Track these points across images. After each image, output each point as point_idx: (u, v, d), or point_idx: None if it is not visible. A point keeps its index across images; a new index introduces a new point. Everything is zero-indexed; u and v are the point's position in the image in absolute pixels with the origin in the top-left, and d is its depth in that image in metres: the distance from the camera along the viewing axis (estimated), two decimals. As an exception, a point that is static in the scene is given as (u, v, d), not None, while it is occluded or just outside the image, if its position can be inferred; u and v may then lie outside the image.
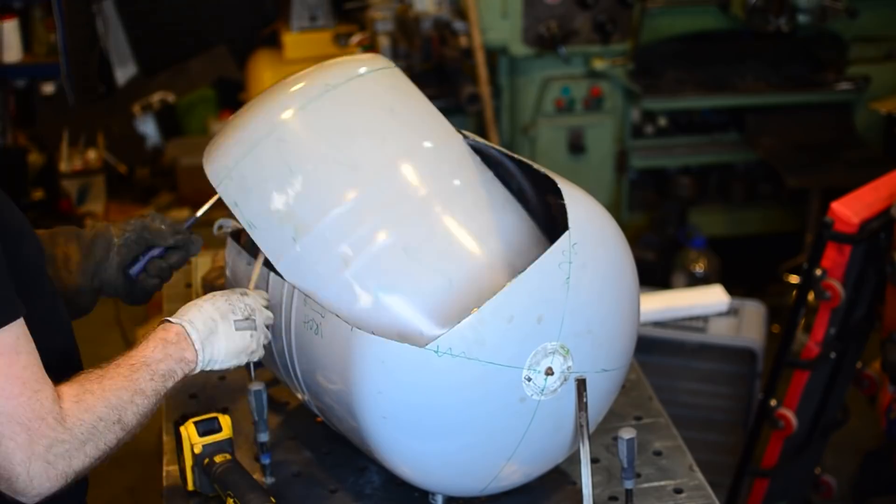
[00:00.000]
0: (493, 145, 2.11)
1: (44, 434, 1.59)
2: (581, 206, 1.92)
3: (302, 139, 1.98)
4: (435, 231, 1.94)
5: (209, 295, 1.89)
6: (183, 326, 1.82)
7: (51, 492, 1.62)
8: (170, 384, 1.78)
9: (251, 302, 1.91)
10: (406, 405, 1.82)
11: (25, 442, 1.57)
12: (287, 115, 1.98)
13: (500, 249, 1.96)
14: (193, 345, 1.81)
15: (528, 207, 2.21)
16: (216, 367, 1.87)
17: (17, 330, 1.60)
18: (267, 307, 1.95)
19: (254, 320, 1.89)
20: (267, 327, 1.95)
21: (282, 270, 1.93)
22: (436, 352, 1.78)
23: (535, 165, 2.02)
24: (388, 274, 1.89)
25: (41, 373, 1.62)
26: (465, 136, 2.04)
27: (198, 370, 1.84)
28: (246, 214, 1.95)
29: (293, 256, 1.92)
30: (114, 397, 1.68)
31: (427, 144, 2.02)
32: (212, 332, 1.84)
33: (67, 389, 1.65)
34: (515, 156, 2.10)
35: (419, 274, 1.89)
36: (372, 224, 1.91)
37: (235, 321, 1.87)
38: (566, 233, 1.86)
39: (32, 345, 1.63)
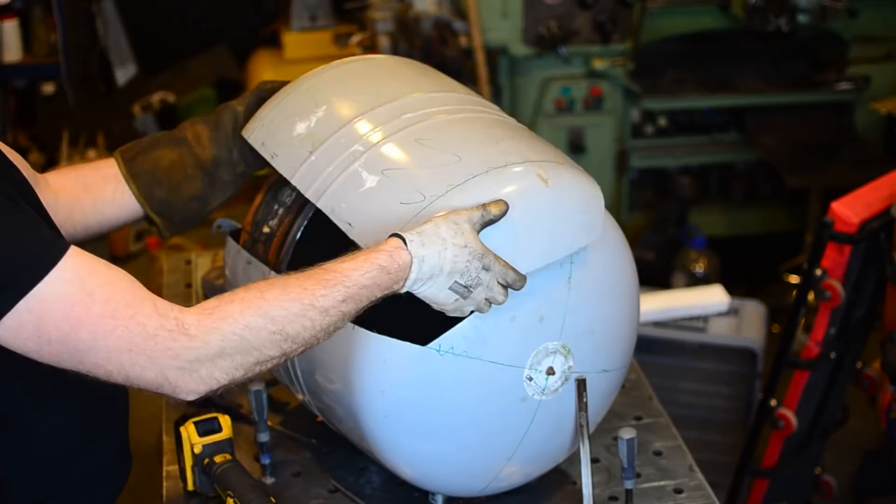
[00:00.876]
0: None
1: (161, 348, 1.53)
2: (582, 206, 1.92)
3: (330, 82, 2.02)
4: (450, 129, 1.89)
5: (461, 234, 1.68)
6: (413, 261, 1.65)
7: (211, 390, 1.59)
8: (362, 308, 1.66)
9: (486, 278, 1.71)
10: (407, 404, 1.82)
11: (146, 362, 1.53)
12: (317, 72, 2.04)
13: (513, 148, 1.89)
14: (407, 280, 1.67)
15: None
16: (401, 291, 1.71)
17: (75, 263, 1.53)
18: (507, 287, 1.75)
19: (471, 291, 1.71)
20: (483, 307, 1.75)
21: (296, 182, 1.89)
22: (437, 350, 1.78)
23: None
24: (396, 156, 1.83)
25: (129, 295, 1.54)
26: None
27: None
28: (270, 148, 1.95)
29: (307, 166, 1.89)
30: (275, 309, 1.58)
31: (455, 94, 2.03)
32: (431, 277, 1.68)
33: (210, 302, 1.59)
34: None
35: (428, 155, 1.82)
36: (388, 126, 1.87)
37: (455, 281, 1.69)
38: (568, 232, 1.86)
39: (105, 271, 1.55)
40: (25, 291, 1.49)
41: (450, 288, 1.70)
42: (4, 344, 1.53)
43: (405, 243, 1.66)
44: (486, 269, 1.71)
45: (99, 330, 1.52)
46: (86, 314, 1.52)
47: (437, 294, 1.71)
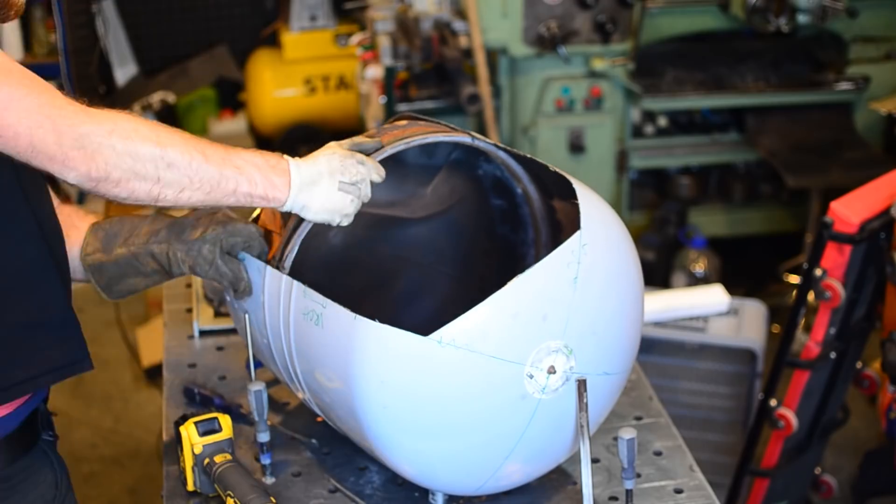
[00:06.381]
0: (501, 146, 2.11)
1: (64, 116, 1.65)
2: (593, 208, 1.92)
3: None
4: None
5: (330, 148, 1.89)
6: (288, 163, 1.82)
7: (90, 177, 1.68)
8: (244, 187, 1.79)
9: (363, 170, 1.88)
10: (406, 396, 1.82)
11: (50, 127, 1.64)
12: None
13: None
14: (290, 183, 1.81)
15: (533, 211, 2.21)
16: (308, 217, 1.86)
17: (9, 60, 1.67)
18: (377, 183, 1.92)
19: (359, 187, 1.87)
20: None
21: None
22: (439, 342, 1.78)
23: (551, 166, 2.02)
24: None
25: (49, 85, 1.66)
26: (472, 138, 2.04)
27: (285, 208, 1.84)
28: None
29: None
30: (164, 130, 1.72)
31: None
32: (313, 182, 1.83)
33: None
34: (527, 155, 2.10)
35: None
36: None
37: (340, 181, 1.85)
38: (577, 232, 1.86)
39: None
40: None
41: (339, 190, 1.84)
42: None
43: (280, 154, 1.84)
44: (361, 163, 1.87)
45: (16, 92, 1.64)
46: (7, 76, 1.65)
47: (331, 199, 1.84)
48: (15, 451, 1.88)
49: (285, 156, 1.85)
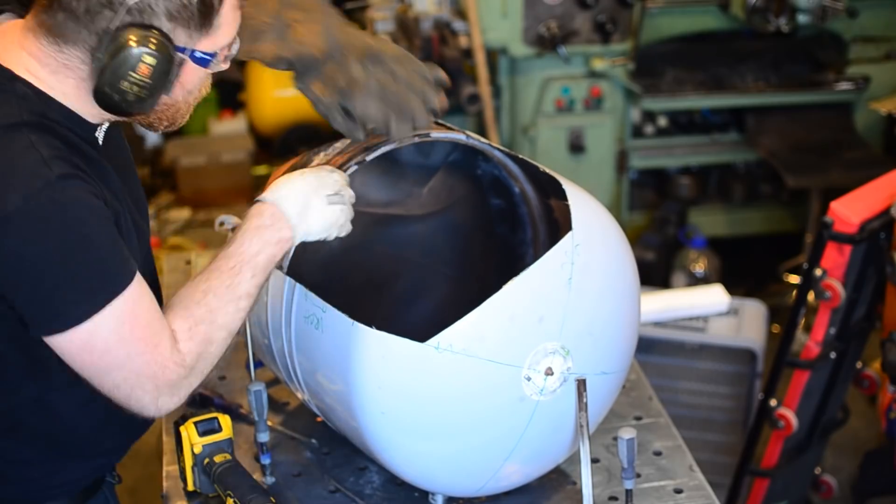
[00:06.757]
0: (497, 146, 2.11)
1: (167, 379, 1.67)
2: (585, 208, 1.92)
3: None
4: None
5: (297, 172, 1.87)
6: (277, 205, 1.80)
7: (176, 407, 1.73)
8: (271, 268, 1.80)
9: (339, 178, 1.88)
10: (405, 400, 1.82)
11: (153, 389, 1.67)
12: None
13: None
14: (289, 221, 1.80)
15: (531, 210, 2.21)
16: (310, 239, 1.85)
17: (135, 290, 1.65)
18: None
19: (343, 195, 1.87)
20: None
21: None
22: (436, 348, 1.78)
23: (541, 167, 2.02)
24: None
25: (159, 323, 1.67)
26: (468, 137, 2.04)
27: (296, 243, 1.83)
28: None
29: None
30: (222, 317, 1.72)
31: None
32: (306, 206, 1.82)
33: (180, 325, 1.70)
34: (519, 156, 2.10)
35: None
36: None
37: (327, 195, 1.85)
38: (569, 233, 1.86)
39: (149, 296, 1.69)
40: (111, 299, 1.63)
41: (329, 204, 1.84)
42: (57, 344, 1.64)
43: (259, 202, 1.82)
44: (332, 172, 1.87)
45: (133, 350, 1.65)
46: (130, 334, 1.64)
47: (328, 217, 1.83)
48: (79, 500, 1.94)
49: (267, 199, 1.81)
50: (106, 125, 1.78)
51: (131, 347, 1.64)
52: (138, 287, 1.66)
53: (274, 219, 1.78)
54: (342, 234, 1.89)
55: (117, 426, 1.86)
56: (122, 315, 1.63)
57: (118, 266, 1.64)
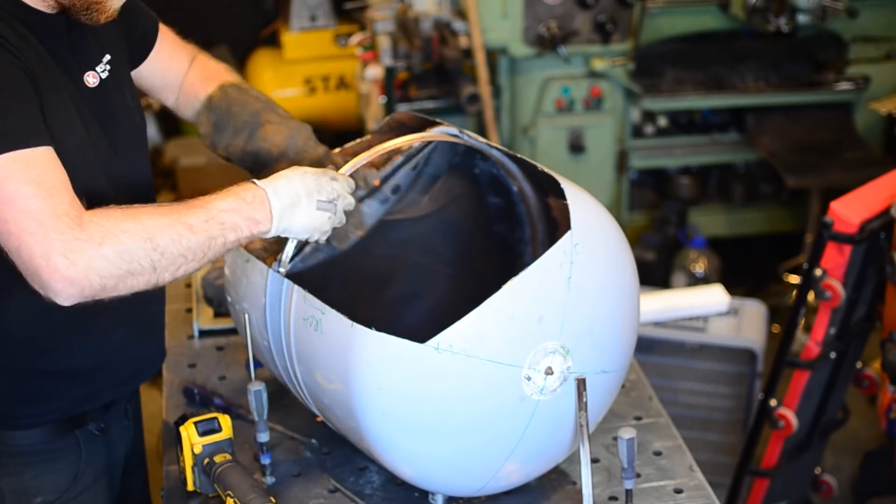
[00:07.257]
0: (495, 145, 2.11)
1: (58, 229, 1.64)
2: (583, 207, 1.92)
3: None
4: None
5: (301, 169, 1.90)
6: (266, 192, 1.83)
7: (83, 295, 1.68)
8: (231, 236, 1.79)
9: (338, 187, 1.92)
10: (405, 401, 1.82)
11: (41, 236, 1.64)
12: None
13: None
14: (270, 211, 1.83)
15: (529, 208, 2.21)
16: (290, 236, 1.90)
17: (42, 153, 1.67)
18: (352, 194, 1.98)
19: (335, 204, 1.91)
20: (347, 215, 1.98)
21: None
22: (436, 348, 1.78)
23: (539, 166, 2.02)
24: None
25: (62, 186, 1.68)
26: (467, 136, 2.04)
27: (271, 235, 1.85)
28: None
29: None
30: (148, 218, 1.71)
31: None
32: (293, 204, 1.85)
33: (97, 208, 1.71)
34: (518, 155, 2.10)
35: None
36: None
37: (318, 200, 1.88)
38: (568, 233, 1.86)
39: (58, 166, 1.69)
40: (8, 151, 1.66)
41: (318, 209, 1.88)
42: None
43: (252, 182, 1.85)
44: (334, 179, 1.92)
45: (23, 190, 1.65)
46: (23, 173, 1.66)
47: (312, 220, 1.88)
48: (51, 433, 1.97)
49: (260, 183, 1.84)
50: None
51: (25, 189, 1.64)
52: (45, 155, 1.68)
53: (256, 200, 1.82)
54: (322, 239, 1.94)
55: (77, 339, 1.92)
56: (23, 162, 1.65)
57: (21, 124, 1.67)
